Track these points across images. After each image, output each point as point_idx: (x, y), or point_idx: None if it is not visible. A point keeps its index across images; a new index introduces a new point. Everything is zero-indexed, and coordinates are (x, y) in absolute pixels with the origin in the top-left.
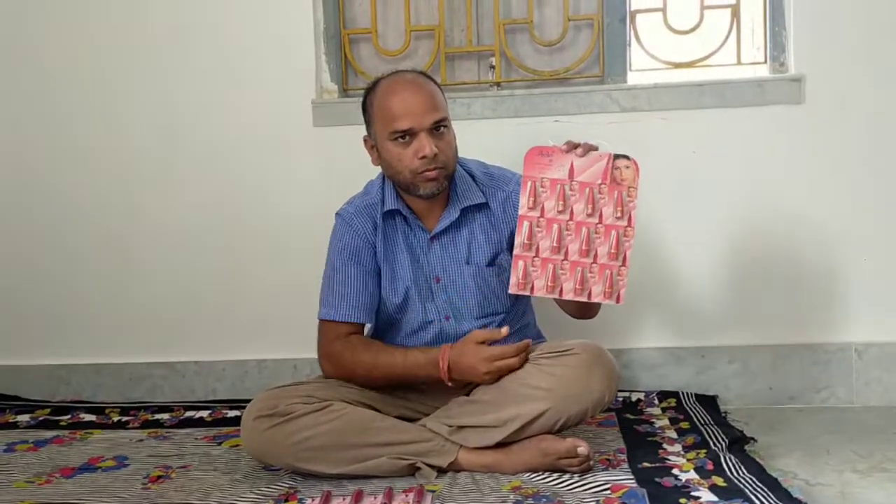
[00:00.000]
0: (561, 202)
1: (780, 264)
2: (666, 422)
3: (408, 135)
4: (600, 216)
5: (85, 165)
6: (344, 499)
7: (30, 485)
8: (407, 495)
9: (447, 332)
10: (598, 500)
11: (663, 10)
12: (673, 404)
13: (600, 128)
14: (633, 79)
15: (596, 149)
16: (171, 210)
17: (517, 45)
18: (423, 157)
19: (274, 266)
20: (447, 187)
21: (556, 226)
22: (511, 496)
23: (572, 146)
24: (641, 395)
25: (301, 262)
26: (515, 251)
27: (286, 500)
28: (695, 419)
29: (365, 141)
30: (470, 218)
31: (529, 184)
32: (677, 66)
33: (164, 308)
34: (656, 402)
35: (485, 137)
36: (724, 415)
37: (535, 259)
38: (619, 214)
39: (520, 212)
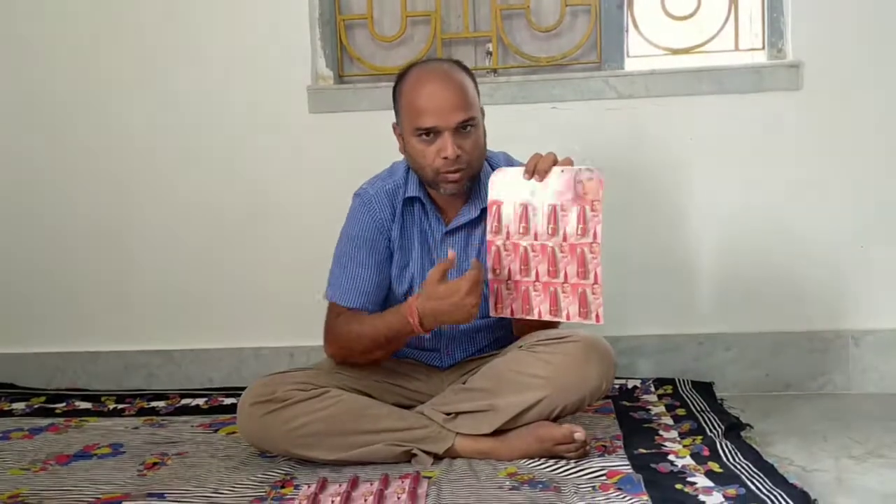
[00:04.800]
0: (523, 224)
1: (776, 251)
2: (662, 409)
3: (432, 132)
4: (564, 235)
5: (79, 153)
6: (340, 485)
7: (25, 472)
8: (403, 482)
9: (446, 330)
10: (594, 486)
11: None
12: (669, 391)
13: (597, 114)
14: (630, 65)
15: (570, 162)
16: (167, 197)
17: (514, 30)
18: (446, 158)
19: (270, 253)
20: (473, 182)
21: (521, 248)
22: (507, 482)
23: (530, 171)
24: (638, 382)
25: (297, 248)
26: (489, 276)
27: (283, 487)
28: (691, 406)
29: (393, 128)
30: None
31: (494, 207)
32: (675, 52)
33: (160, 296)
34: (653, 389)
35: None
36: (720, 402)
37: (509, 282)
38: (581, 231)
39: (487, 236)
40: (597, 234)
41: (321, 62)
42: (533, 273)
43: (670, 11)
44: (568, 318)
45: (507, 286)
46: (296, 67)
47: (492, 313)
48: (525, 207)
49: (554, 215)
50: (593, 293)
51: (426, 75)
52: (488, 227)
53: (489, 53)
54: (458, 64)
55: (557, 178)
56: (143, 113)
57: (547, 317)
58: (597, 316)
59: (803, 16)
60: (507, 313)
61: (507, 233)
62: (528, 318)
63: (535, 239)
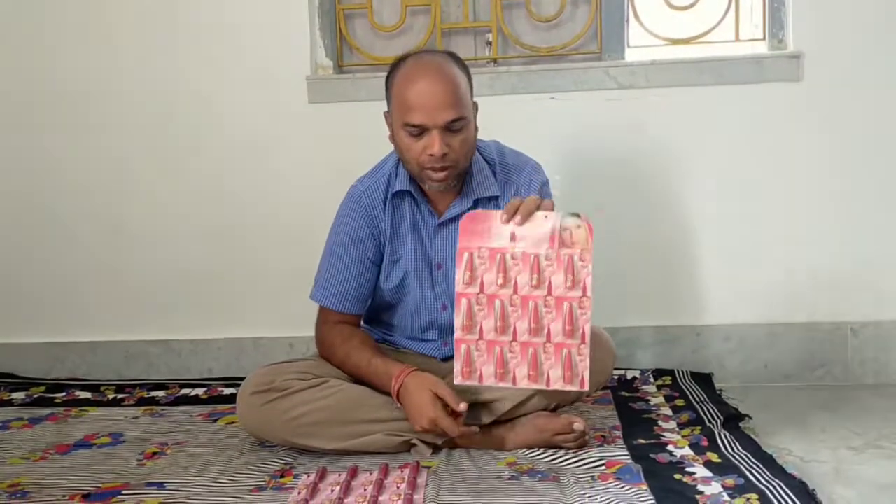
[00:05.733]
0: (501, 274)
1: (775, 242)
2: (661, 399)
3: (420, 128)
4: (549, 287)
5: (78, 143)
6: (339, 475)
7: (25, 461)
8: (403, 471)
9: (442, 322)
10: (593, 476)
11: None
12: (668, 382)
13: (597, 105)
14: (630, 55)
15: (551, 207)
16: (166, 187)
17: (514, 20)
18: (431, 155)
19: (269, 244)
20: (460, 179)
21: (498, 302)
22: (506, 472)
23: (510, 213)
24: (637, 373)
25: (296, 239)
26: (455, 334)
27: (282, 476)
28: (690, 397)
29: (385, 115)
30: (482, 209)
31: (465, 255)
32: (675, 42)
33: (160, 286)
34: (652, 379)
35: (481, 115)
36: (719, 392)
37: (480, 342)
38: (570, 284)
39: (456, 289)
40: (586, 288)
41: (320, 52)
42: (511, 331)
43: (671, 1)
44: (549, 384)
45: (476, 347)
46: (295, 57)
47: (456, 380)
48: (503, 256)
49: (537, 265)
50: (580, 354)
51: (419, 70)
52: (458, 279)
53: (489, 43)
54: (453, 57)
55: (540, 225)
56: (142, 104)
57: (524, 384)
58: (581, 381)
59: (804, 6)
60: (474, 379)
61: (482, 284)
62: (500, 384)
63: (516, 292)
